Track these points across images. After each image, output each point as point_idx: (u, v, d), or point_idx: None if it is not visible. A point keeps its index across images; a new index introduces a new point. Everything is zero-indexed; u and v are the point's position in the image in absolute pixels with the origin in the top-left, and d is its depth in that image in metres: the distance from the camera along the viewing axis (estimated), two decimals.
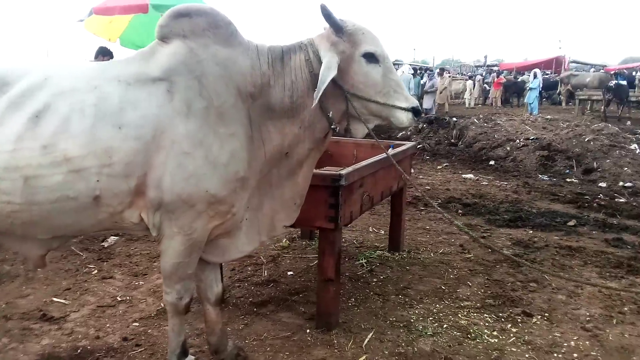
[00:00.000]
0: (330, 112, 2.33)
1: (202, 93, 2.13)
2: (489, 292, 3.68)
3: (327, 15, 2.25)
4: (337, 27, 2.28)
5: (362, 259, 4.21)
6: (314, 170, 2.95)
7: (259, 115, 2.28)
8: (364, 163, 3.34)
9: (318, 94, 2.16)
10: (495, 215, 5.75)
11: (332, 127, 2.37)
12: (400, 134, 11.14)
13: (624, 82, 18.72)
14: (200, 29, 2.19)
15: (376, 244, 4.69)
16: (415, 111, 2.39)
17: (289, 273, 3.91)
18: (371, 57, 2.29)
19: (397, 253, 4.39)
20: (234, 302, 3.39)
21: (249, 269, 4.00)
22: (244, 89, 2.22)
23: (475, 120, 11.36)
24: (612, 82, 17.39)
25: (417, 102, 2.47)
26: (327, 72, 2.18)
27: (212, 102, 2.13)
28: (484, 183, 7.50)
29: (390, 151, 4.11)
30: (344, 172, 2.95)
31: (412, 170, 8.12)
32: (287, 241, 4.62)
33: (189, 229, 2.17)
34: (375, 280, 3.84)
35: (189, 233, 2.17)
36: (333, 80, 2.24)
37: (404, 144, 4.35)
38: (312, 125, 2.37)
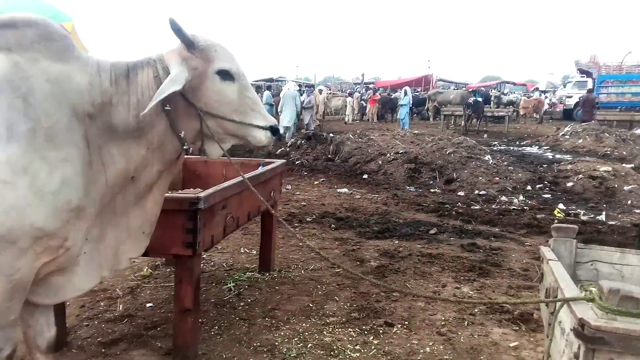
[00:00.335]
0: (182, 132, 2.22)
1: (28, 113, 1.90)
2: (355, 305, 3.77)
3: (177, 30, 2.14)
4: (188, 43, 2.18)
5: (230, 283, 4.09)
6: (171, 194, 2.79)
7: (99, 137, 2.10)
8: (227, 183, 3.25)
9: (150, 105, 2.04)
10: (366, 228, 5.98)
11: (185, 147, 2.26)
12: (279, 149, 11.24)
13: (480, 99, 20.78)
14: (29, 42, 1.96)
15: (247, 265, 4.61)
16: (273, 130, 2.37)
17: (148, 305, 3.66)
18: (226, 75, 2.23)
19: (268, 273, 4.35)
20: (79, 344, 3.06)
21: (102, 304, 3.67)
22: (80, 108, 2.02)
23: (350, 135, 11.82)
24: (471, 99, 19.21)
25: (274, 120, 2.46)
26: (169, 85, 2.07)
27: (40, 124, 1.91)
28: (357, 197, 7.79)
29: (260, 169, 4.08)
30: (202, 194, 2.84)
31: (289, 187, 8.25)
32: (149, 269, 4.35)
33: (10, 269, 1.91)
34: (242, 304, 3.75)
35: (9, 274, 1.91)
36: (185, 98, 2.14)
37: (274, 162, 4.34)
38: (162, 146, 2.24)
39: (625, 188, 7.93)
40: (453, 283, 4.30)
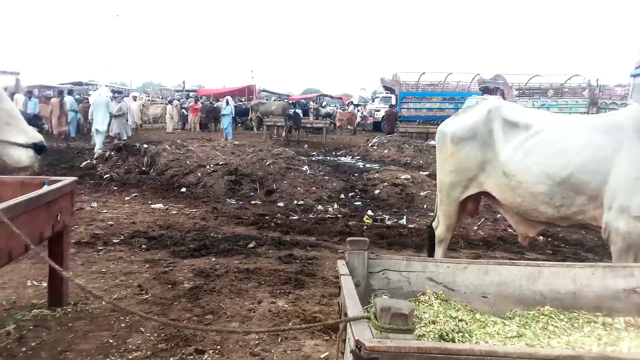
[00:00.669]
0: None
1: None
2: (163, 335, 3.47)
3: None
4: None
5: (9, 324, 3.45)
6: None
7: None
8: None
9: None
10: (181, 246, 5.65)
11: None
12: (84, 162, 10.15)
13: (299, 111, 21.64)
14: None
15: (34, 300, 3.95)
16: (38, 147, 1.99)
17: None
18: None
19: (60, 308, 3.77)
20: None
21: None
22: None
23: (167, 146, 11.24)
24: (291, 111, 19.92)
25: (40, 136, 2.08)
26: None
27: None
28: (173, 212, 7.37)
29: (45, 188, 3.53)
30: None
31: (94, 205, 7.45)
32: None
33: None
34: (24, 349, 3.17)
35: None
36: None
37: (61, 180, 3.79)
38: None
39: (422, 193, 8.92)
40: (269, 298, 4.26)
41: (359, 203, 8.54)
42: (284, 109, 22.62)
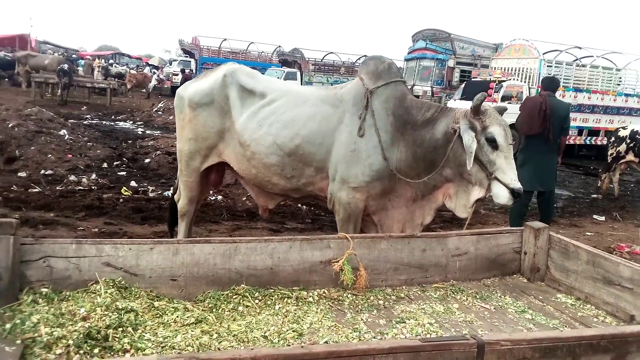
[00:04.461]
0: None
1: None
2: None
3: None
4: None
5: None
6: None
7: None
8: None
9: None
10: None
11: None
12: None
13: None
14: None
15: None
16: None
17: None
18: None
19: None
20: None
21: None
22: None
23: None
24: (65, 66, 17.42)
25: None
26: None
27: None
28: None
29: None
30: None
31: None
32: None
33: None
34: None
35: None
36: None
37: None
38: None
39: None
40: None
41: (123, 173, 7.73)
42: (59, 64, 19.71)
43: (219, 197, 6.78)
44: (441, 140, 3.20)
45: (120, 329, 1.92)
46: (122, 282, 2.24)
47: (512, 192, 2.95)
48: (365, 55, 31.15)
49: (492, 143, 3.01)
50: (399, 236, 2.79)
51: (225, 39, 31.67)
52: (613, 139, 8.42)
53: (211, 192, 6.08)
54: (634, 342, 1.69)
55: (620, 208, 7.98)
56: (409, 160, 3.31)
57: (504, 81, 12.83)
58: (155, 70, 32.95)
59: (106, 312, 1.97)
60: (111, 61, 34.76)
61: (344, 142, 3.41)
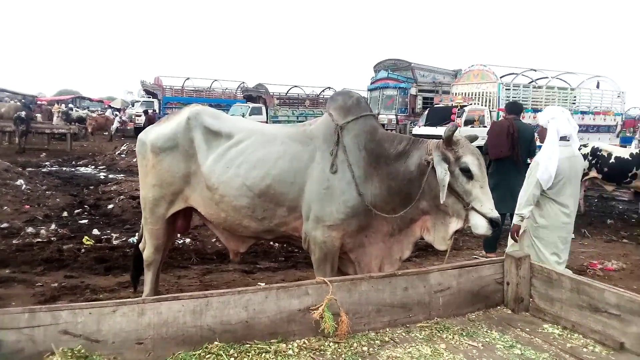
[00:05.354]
0: None
1: None
2: None
3: None
4: None
5: None
6: None
7: None
8: None
9: None
10: None
11: None
12: None
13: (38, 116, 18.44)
14: None
15: None
16: None
17: None
18: None
19: None
20: None
21: None
22: None
23: None
24: (22, 113, 16.93)
25: None
26: None
27: None
28: None
29: None
30: None
31: None
32: None
33: None
34: None
35: None
36: None
37: None
38: None
39: None
40: None
41: (85, 221, 7.39)
42: (17, 111, 19.15)
43: (187, 240, 6.54)
44: (415, 173, 3.14)
45: None
46: (82, 351, 2.03)
47: (491, 221, 2.90)
48: (329, 87, 31.64)
49: (467, 173, 2.96)
50: (379, 276, 2.68)
51: (188, 78, 31.61)
52: None
53: (179, 236, 5.85)
54: None
55: (588, 224, 8.10)
56: (384, 195, 3.23)
57: (466, 106, 13.12)
58: (117, 113, 32.46)
59: None
60: (71, 105, 34.11)
61: (316, 180, 3.31)
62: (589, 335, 2.51)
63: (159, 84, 30.56)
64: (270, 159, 3.42)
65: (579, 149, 8.62)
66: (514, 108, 5.71)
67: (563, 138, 3.85)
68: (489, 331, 2.65)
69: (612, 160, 8.09)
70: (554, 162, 3.76)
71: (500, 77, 14.40)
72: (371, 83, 22.18)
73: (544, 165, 3.79)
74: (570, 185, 3.91)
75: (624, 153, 8.17)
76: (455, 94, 15.26)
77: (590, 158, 8.30)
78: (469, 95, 14.72)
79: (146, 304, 2.18)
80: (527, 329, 2.66)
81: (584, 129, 14.40)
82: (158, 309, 2.19)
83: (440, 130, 11.22)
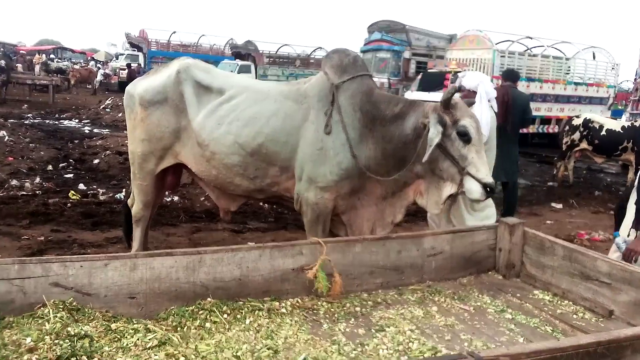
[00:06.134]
0: None
1: None
2: None
3: None
4: None
5: None
6: None
7: None
8: None
9: None
10: None
11: None
12: None
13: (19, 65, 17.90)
14: None
15: None
16: None
17: None
18: None
19: None
20: None
21: None
22: None
23: None
24: (2, 62, 16.35)
25: None
26: None
27: None
28: None
29: None
30: None
31: None
32: None
33: None
34: None
35: None
36: None
37: None
38: None
39: None
40: None
41: (70, 175, 7.25)
42: None
43: (176, 198, 6.47)
44: (411, 136, 3.08)
45: (74, 358, 1.69)
46: (74, 304, 2.00)
47: (485, 187, 2.88)
48: (320, 47, 30.99)
49: (464, 137, 2.91)
50: (373, 238, 2.67)
51: (174, 32, 30.75)
52: (567, 127, 8.62)
53: (167, 193, 5.78)
54: (628, 347, 1.62)
55: (576, 195, 8.19)
56: (378, 158, 3.18)
57: (460, 72, 12.97)
58: (100, 66, 31.58)
59: (56, 340, 1.74)
60: (52, 56, 33.09)
61: (310, 140, 3.25)
62: (579, 302, 2.55)
63: (144, 37, 29.72)
64: (263, 117, 3.33)
65: (571, 120, 8.68)
66: (511, 75, 5.64)
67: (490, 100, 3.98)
68: (480, 295, 2.67)
69: (604, 132, 8.12)
70: (486, 121, 3.77)
71: (496, 44, 14.21)
72: (364, 44, 21.76)
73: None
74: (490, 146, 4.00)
75: (616, 126, 8.19)
76: (450, 59, 15.05)
77: (581, 129, 8.31)
78: (463, 61, 14.55)
79: (138, 259, 2.15)
80: (518, 295, 2.69)
81: (577, 100, 14.38)
82: (150, 264, 2.15)
83: (432, 96, 11.10)
